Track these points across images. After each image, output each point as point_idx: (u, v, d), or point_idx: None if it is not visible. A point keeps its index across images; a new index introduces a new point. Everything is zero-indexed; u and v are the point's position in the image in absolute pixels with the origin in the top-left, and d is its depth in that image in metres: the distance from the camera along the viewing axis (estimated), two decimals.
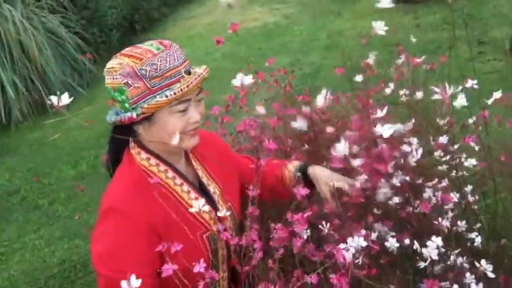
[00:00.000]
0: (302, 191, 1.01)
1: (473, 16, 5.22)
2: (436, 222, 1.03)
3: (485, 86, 1.43)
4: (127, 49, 1.02)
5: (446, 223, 1.04)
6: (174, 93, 0.96)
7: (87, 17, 6.08)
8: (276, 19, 6.68)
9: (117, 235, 0.99)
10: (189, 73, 0.99)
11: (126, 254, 0.98)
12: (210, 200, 1.12)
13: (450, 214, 1.09)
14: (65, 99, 0.95)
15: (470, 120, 1.35)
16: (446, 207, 1.11)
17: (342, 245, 0.84)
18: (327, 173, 1.20)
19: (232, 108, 1.88)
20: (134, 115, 0.98)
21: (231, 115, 1.84)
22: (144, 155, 1.07)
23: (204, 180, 1.15)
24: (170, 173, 1.08)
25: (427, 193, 1.10)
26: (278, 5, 7.33)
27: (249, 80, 1.11)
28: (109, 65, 1.02)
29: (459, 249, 1.02)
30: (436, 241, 0.96)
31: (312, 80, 4.41)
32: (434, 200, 1.09)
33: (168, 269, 0.86)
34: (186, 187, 1.09)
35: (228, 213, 1.09)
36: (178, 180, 1.08)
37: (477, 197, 1.23)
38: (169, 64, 0.97)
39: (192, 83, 0.97)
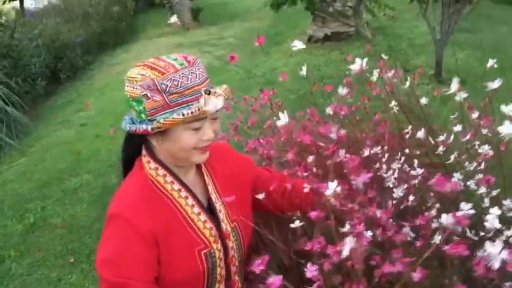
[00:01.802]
0: None
1: (393, 48, 5.76)
2: None
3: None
4: (151, 60, 1.02)
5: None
6: (191, 112, 0.96)
7: (10, 66, 5.73)
8: (209, 61, 6.81)
9: (120, 241, 1.00)
10: (208, 93, 0.99)
11: (128, 261, 0.98)
12: (214, 217, 1.11)
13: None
14: None
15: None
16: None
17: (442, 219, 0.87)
18: None
19: None
20: (149, 128, 0.99)
21: None
22: (153, 164, 1.07)
23: (213, 196, 1.13)
24: (176, 185, 1.08)
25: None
26: (208, 48, 7.52)
27: None
28: (131, 73, 1.02)
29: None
30: (494, 211, 1.01)
31: None
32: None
33: None
34: (190, 201, 1.08)
35: (229, 229, 1.11)
36: (184, 193, 1.08)
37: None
38: (190, 82, 0.98)
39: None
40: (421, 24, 6.79)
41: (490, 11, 7.53)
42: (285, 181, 1.18)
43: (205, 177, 1.15)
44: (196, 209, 1.08)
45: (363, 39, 6.12)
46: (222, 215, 1.12)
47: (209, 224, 1.09)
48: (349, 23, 6.03)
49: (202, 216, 1.08)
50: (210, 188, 1.14)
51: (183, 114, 0.96)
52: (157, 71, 0.98)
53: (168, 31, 9.73)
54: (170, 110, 0.98)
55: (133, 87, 1.00)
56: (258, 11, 9.52)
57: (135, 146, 1.09)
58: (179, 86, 0.97)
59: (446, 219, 0.90)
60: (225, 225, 1.12)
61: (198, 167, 1.15)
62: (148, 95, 0.98)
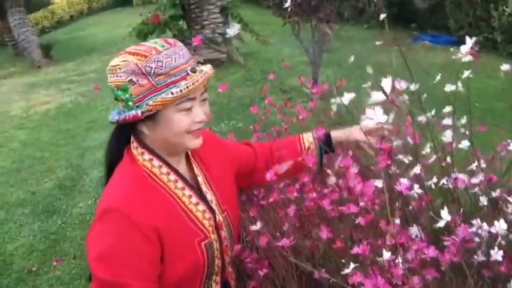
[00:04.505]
0: (311, 159, 1.08)
1: (266, 72, 5.90)
2: None
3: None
4: (131, 47, 0.99)
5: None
6: (180, 91, 0.94)
7: None
8: (72, 98, 6.18)
9: (116, 237, 0.94)
10: (194, 71, 0.97)
11: (124, 258, 0.93)
12: (209, 207, 1.10)
13: None
14: None
15: None
16: None
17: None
18: (358, 127, 1.21)
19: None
20: (139, 113, 0.96)
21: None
22: (147, 155, 1.04)
23: (203, 187, 1.12)
24: (172, 176, 1.05)
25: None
26: (67, 85, 6.83)
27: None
28: (112, 63, 0.99)
29: None
30: None
31: None
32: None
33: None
34: (187, 191, 1.06)
35: (222, 220, 1.11)
36: (180, 184, 1.06)
37: None
38: (175, 62, 0.96)
39: (198, 80, 0.96)
40: (286, 47, 7.16)
41: (339, 32, 8.28)
42: (266, 151, 1.28)
43: (194, 167, 1.13)
44: (194, 199, 1.07)
45: (236, 65, 6.16)
46: (213, 205, 1.11)
47: (208, 214, 1.08)
48: (220, 50, 6.02)
49: (201, 206, 1.07)
50: (200, 178, 1.13)
51: (172, 93, 0.93)
52: (140, 55, 0.96)
53: (15, 71, 8.66)
54: (158, 92, 0.95)
55: (117, 76, 0.97)
56: (119, 43, 9.04)
57: (123, 139, 1.06)
58: (164, 66, 0.94)
59: None
60: (218, 215, 1.11)
61: (187, 156, 1.13)
62: (134, 80, 0.95)
